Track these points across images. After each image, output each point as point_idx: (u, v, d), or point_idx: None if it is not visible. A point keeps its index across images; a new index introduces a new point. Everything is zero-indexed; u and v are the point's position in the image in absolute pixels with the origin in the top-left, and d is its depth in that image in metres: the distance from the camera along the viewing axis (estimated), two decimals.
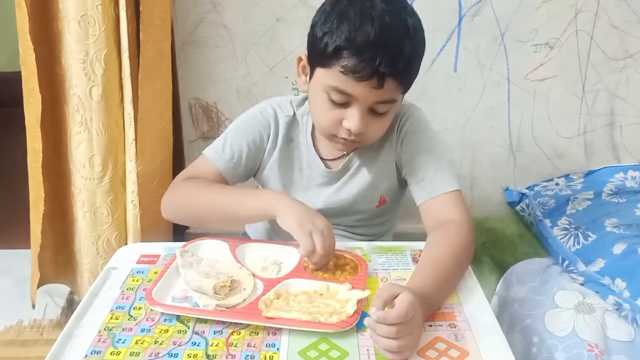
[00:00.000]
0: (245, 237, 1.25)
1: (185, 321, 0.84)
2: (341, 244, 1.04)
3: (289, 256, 0.99)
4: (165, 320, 0.84)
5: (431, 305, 0.83)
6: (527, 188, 1.51)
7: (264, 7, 1.44)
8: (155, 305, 0.84)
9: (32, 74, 1.20)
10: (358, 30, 0.86)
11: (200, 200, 1.03)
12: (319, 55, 0.92)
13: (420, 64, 0.95)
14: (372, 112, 0.95)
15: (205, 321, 0.83)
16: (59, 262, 1.40)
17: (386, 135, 1.07)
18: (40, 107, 1.22)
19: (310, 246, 0.88)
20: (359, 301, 0.85)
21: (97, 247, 1.33)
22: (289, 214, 0.93)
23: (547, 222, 1.31)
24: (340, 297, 0.87)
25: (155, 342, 0.79)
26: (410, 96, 1.53)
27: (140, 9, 1.22)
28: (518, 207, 1.47)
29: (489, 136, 1.54)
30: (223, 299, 0.86)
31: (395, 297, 0.76)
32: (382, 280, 0.95)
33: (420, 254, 1.02)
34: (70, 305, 1.53)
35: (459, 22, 1.44)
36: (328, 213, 1.12)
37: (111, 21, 1.20)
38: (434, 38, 1.46)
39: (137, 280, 0.94)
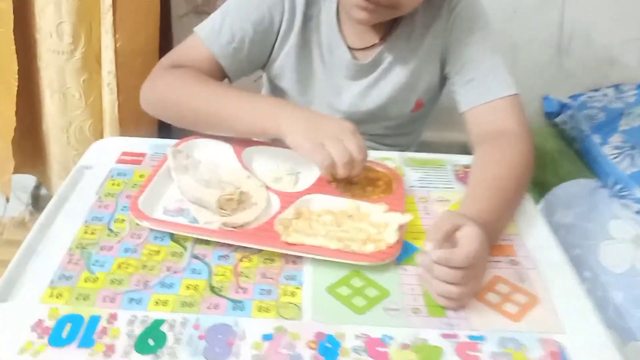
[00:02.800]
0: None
1: (182, 241, 0.67)
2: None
3: (308, 163, 0.81)
4: (155, 238, 0.67)
5: (493, 240, 0.68)
6: (570, 97, 1.33)
7: None
8: (142, 219, 0.67)
9: None
10: None
11: (184, 100, 0.82)
12: None
13: None
14: None
15: (206, 242, 0.67)
16: (24, 149, 1.21)
17: (432, 18, 0.88)
18: None
19: (326, 159, 0.70)
20: (400, 227, 0.69)
21: (67, 136, 1.13)
22: (294, 129, 0.73)
23: (596, 138, 1.15)
24: (374, 220, 0.71)
25: (144, 267, 0.63)
26: None
27: None
28: (558, 119, 1.31)
29: (535, 32, 1.33)
30: (229, 215, 0.70)
31: (457, 230, 0.61)
32: (420, 200, 0.79)
33: (464, 170, 0.86)
34: (37, 202, 1.36)
35: None
36: (352, 119, 0.93)
37: None
38: None
39: (118, 185, 0.76)
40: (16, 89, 1.06)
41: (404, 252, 0.67)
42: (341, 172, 0.71)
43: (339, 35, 0.89)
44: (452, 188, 0.83)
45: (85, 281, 0.61)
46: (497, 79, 0.85)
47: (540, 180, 1.12)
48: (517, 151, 0.79)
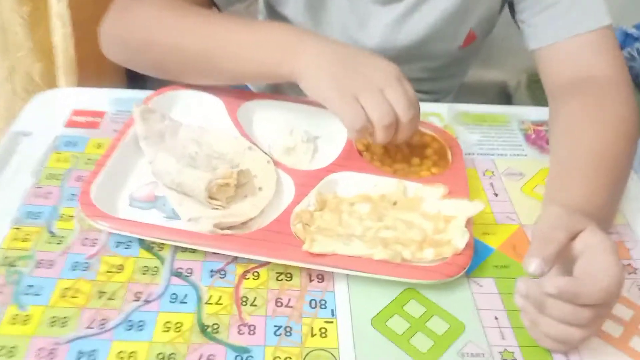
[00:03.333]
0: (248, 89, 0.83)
1: (157, 249, 0.47)
2: None
3: (329, 124, 0.60)
4: (117, 246, 0.47)
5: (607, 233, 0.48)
6: (635, 27, 1.10)
7: None
8: (98, 218, 0.46)
9: None
10: None
11: (162, 40, 0.57)
12: None
13: None
14: None
15: (191, 250, 0.47)
16: None
17: None
18: None
19: (360, 119, 0.49)
20: (469, 223, 0.49)
21: (12, 85, 0.89)
22: (314, 71, 0.51)
23: None
24: (429, 210, 0.51)
25: (100, 295, 0.43)
26: None
27: None
28: (624, 54, 1.08)
29: None
30: (224, 207, 0.49)
31: (576, 236, 0.40)
32: (485, 175, 0.59)
33: (535, 129, 0.65)
34: None
35: None
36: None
37: None
38: None
39: (65, 161, 0.55)
40: None
41: (475, 258, 0.47)
42: (380, 137, 0.50)
43: None
44: (525, 155, 0.62)
45: (11, 323, 0.40)
46: (586, 6, 0.62)
47: None
48: (619, 105, 0.58)
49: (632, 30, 1.10)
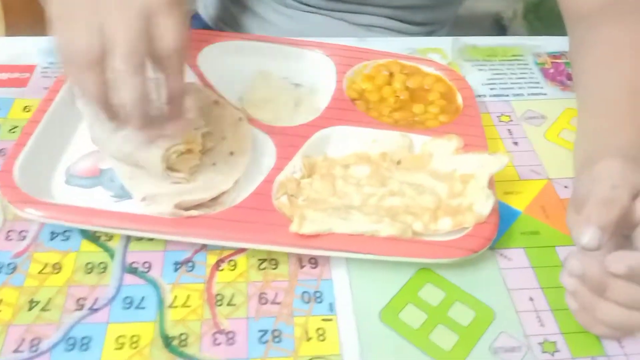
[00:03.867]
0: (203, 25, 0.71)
1: (104, 239, 0.37)
2: (397, 43, 0.56)
3: (313, 67, 0.50)
4: (53, 238, 0.37)
5: None
6: None
7: None
8: (26, 204, 0.36)
9: None
10: None
11: None
12: None
13: None
14: None
15: (149, 238, 0.37)
16: None
17: None
18: None
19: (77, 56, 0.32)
20: (492, 182, 0.40)
21: None
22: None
23: None
24: (442, 169, 0.42)
25: (31, 306, 0.33)
26: None
27: None
28: None
29: None
30: (187, 180, 0.39)
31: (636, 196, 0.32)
32: (500, 120, 0.49)
33: (552, 62, 0.56)
34: None
35: None
36: None
37: None
38: None
39: None
40: None
41: (499, 225, 0.39)
42: (131, 110, 0.33)
43: None
44: (545, 94, 0.53)
45: None
46: None
47: None
48: None
49: None
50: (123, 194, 0.40)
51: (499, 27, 1.08)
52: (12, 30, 0.72)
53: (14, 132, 0.44)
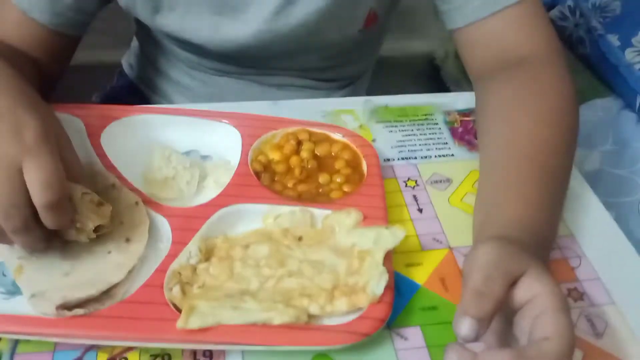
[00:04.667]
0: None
1: None
2: (307, 105, 0.58)
3: (218, 141, 0.51)
4: None
5: (548, 253, 0.41)
6: None
7: None
8: None
9: None
10: None
11: None
12: None
13: None
14: None
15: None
16: None
17: None
18: None
19: None
20: (388, 257, 0.41)
21: None
22: None
23: (613, 39, 0.88)
24: (341, 243, 0.43)
25: None
26: None
27: None
28: (555, 13, 1.01)
29: None
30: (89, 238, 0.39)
31: (515, 280, 0.33)
32: (407, 185, 0.51)
33: (462, 120, 0.58)
34: None
35: None
36: (269, 53, 0.61)
37: None
38: None
39: None
40: None
41: (397, 299, 0.40)
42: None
43: None
44: (452, 155, 0.55)
45: None
46: None
47: None
48: (555, 91, 0.50)
49: None
50: (15, 290, 0.39)
51: (431, 68, 1.12)
52: None
53: None
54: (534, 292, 0.33)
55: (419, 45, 1.11)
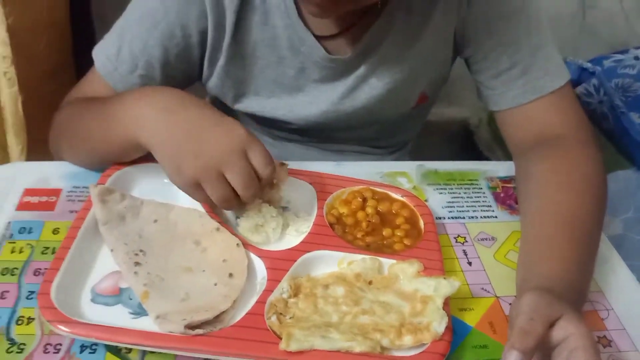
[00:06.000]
0: None
1: (124, 352, 0.46)
2: (365, 167, 0.68)
3: (298, 195, 0.61)
4: (82, 351, 0.46)
5: (581, 304, 0.50)
6: (590, 61, 1.15)
7: None
8: (59, 323, 0.45)
9: None
10: None
11: (74, 132, 0.62)
12: None
13: None
14: None
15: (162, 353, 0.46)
16: None
17: None
18: None
19: (207, 202, 0.53)
20: (446, 303, 0.50)
21: None
22: (159, 147, 0.52)
23: (635, 116, 0.98)
24: (405, 289, 0.52)
25: None
26: None
27: None
28: (580, 89, 1.12)
29: None
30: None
31: (552, 325, 0.42)
32: (457, 241, 0.60)
33: (503, 186, 0.68)
34: None
35: None
36: (333, 127, 0.72)
37: None
38: None
39: (22, 252, 0.53)
40: None
41: (456, 340, 0.48)
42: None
43: (302, 24, 0.62)
44: (495, 217, 0.64)
45: None
46: (546, 65, 0.65)
47: None
48: (586, 165, 0.60)
49: (588, 65, 1.15)
50: (140, 311, 0.49)
51: (466, 133, 1.22)
52: (35, 143, 0.83)
53: (46, 253, 0.53)
54: (568, 332, 0.41)
55: (455, 111, 1.22)
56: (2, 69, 0.81)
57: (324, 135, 0.75)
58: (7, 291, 0.49)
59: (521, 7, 0.65)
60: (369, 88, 0.68)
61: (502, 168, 0.71)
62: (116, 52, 0.62)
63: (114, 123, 0.55)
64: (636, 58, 1.12)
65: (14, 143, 0.86)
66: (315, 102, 0.68)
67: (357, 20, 0.63)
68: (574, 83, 1.19)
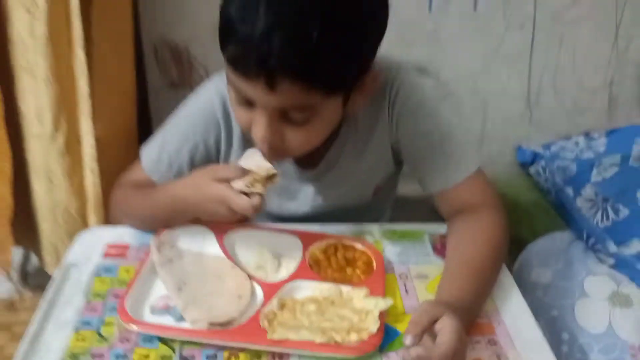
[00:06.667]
0: None
1: (170, 343, 0.70)
2: (344, 228, 0.91)
3: (289, 247, 0.85)
4: (144, 341, 0.70)
5: (471, 320, 0.72)
6: (542, 147, 1.39)
7: None
8: (130, 323, 0.70)
9: None
10: (246, 8, 0.63)
11: (133, 207, 0.88)
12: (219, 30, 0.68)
13: (357, 55, 0.68)
14: (287, 118, 0.71)
15: (194, 342, 0.69)
16: (16, 225, 1.21)
17: (375, 116, 0.86)
18: None
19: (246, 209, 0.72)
20: (381, 314, 0.72)
21: (54, 216, 1.15)
22: (191, 199, 0.77)
23: (569, 190, 1.20)
24: (356, 306, 0.75)
25: None
26: (419, 39, 1.36)
27: None
28: (532, 170, 1.35)
29: (504, 87, 1.39)
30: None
31: (435, 321, 0.64)
32: (400, 277, 0.83)
33: (441, 241, 0.90)
34: (25, 278, 1.37)
35: None
36: (310, 216, 0.96)
37: None
38: None
39: (105, 283, 0.79)
40: (11, 172, 1.09)
41: (386, 338, 0.71)
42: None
43: None
44: (431, 262, 0.86)
45: None
46: (458, 160, 0.85)
47: (516, 235, 1.15)
48: (492, 224, 0.83)
49: (539, 150, 1.38)
50: (181, 319, 0.73)
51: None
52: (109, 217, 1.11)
53: (122, 284, 0.78)
54: (443, 324, 0.63)
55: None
56: (89, 165, 1.12)
57: (307, 219, 0.97)
58: (97, 307, 0.75)
59: (434, 122, 0.86)
60: (334, 190, 0.93)
61: (442, 228, 0.94)
62: (157, 157, 0.89)
63: (163, 198, 0.82)
64: (576, 144, 1.35)
65: (94, 217, 1.15)
66: (294, 202, 0.94)
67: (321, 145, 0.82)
68: (529, 164, 1.42)
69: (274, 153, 0.74)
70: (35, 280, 1.34)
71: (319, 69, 0.64)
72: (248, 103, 0.71)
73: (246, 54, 0.63)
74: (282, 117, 0.70)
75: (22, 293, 1.31)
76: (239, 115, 0.76)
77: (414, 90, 0.85)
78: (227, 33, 0.65)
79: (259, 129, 0.71)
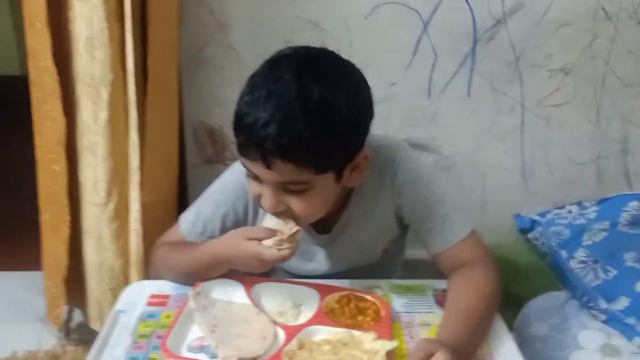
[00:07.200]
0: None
1: None
2: (357, 284, 1.00)
3: (308, 297, 0.94)
4: None
5: (462, 356, 0.80)
6: (538, 215, 1.49)
7: (273, 29, 1.39)
8: (172, 358, 0.79)
9: (50, 97, 1.16)
10: (249, 103, 0.79)
11: (174, 263, 0.99)
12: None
13: (340, 144, 0.82)
14: (288, 190, 0.84)
15: None
16: (66, 284, 1.34)
17: (379, 186, 0.98)
18: (65, 130, 1.18)
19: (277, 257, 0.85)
20: (388, 353, 0.81)
21: (101, 274, 1.27)
22: (230, 253, 0.89)
23: (563, 253, 1.28)
24: (366, 347, 0.83)
25: None
26: (421, 121, 1.51)
27: (148, 32, 1.17)
28: (530, 235, 1.45)
29: (500, 161, 1.51)
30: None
31: (431, 356, 0.73)
32: (405, 325, 0.91)
33: (442, 294, 0.99)
34: (68, 333, 1.47)
35: (474, 46, 1.41)
36: (325, 275, 1.05)
37: (117, 44, 1.14)
38: (448, 62, 1.43)
39: (149, 326, 0.89)
40: (68, 235, 1.23)
41: None
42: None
43: None
44: (433, 312, 0.95)
45: None
46: (454, 224, 0.96)
47: (516, 293, 1.23)
48: (487, 279, 0.92)
49: (537, 217, 1.48)
50: (214, 356, 0.82)
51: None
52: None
53: (164, 327, 0.88)
54: (437, 358, 0.71)
55: None
56: (134, 228, 1.25)
57: (323, 277, 1.06)
58: (142, 345, 0.84)
59: (431, 191, 0.97)
60: (345, 252, 1.03)
61: (444, 283, 1.03)
62: (193, 221, 1.02)
63: (203, 254, 0.94)
64: (569, 212, 1.45)
65: (135, 275, 1.26)
66: (311, 262, 1.05)
67: (334, 213, 0.98)
68: (527, 230, 1.51)
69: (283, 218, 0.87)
70: (77, 334, 1.44)
71: (304, 152, 0.78)
72: (257, 178, 0.84)
73: (249, 140, 0.79)
74: (284, 189, 0.84)
75: (65, 346, 1.40)
76: (250, 189, 0.89)
77: (412, 164, 0.97)
78: (237, 123, 0.82)
79: (265, 199, 0.85)
